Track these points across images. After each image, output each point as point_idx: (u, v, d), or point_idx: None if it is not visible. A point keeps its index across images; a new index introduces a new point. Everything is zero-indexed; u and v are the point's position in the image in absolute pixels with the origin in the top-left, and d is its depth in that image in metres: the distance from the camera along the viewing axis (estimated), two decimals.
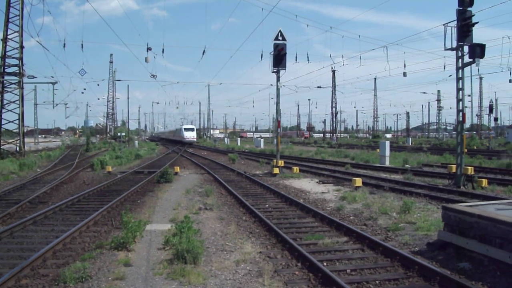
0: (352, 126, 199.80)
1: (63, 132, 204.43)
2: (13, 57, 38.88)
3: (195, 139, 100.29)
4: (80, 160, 43.46)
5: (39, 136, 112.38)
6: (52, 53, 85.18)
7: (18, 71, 39.15)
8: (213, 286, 8.37)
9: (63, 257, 10.28)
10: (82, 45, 33.67)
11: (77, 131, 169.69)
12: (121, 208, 16.39)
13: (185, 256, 9.51)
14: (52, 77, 70.57)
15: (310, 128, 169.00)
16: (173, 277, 8.71)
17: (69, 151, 61.79)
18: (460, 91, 21.85)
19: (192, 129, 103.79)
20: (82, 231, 12.72)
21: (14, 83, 39.17)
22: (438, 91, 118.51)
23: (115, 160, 39.66)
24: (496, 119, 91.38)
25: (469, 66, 22.64)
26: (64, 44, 33.29)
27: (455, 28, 21.01)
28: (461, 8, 20.64)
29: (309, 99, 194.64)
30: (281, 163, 30.55)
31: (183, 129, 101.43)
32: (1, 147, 39.91)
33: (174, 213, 15.60)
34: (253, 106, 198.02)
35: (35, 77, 50.36)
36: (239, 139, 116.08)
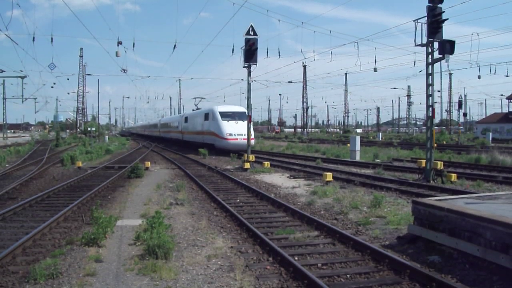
0: (323, 121, 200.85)
1: (32, 127, 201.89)
2: None
3: (252, 141, 43.05)
4: (50, 155, 42.94)
5: (8, 131, 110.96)
6: (21, 47, 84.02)
7: None
8: (184, 281, 8.36)
9: (33, 254, 10.17)
10: (52, 39, 33.05)
11: (47, 126, 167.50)
12: (91, 203, 16.26)
13: (156, 251, 9.48)
14: (21, 71, 69.77)
15: (281, 123, 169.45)
16: (144, 272, 8.67)
17: (38, 146, 61.00)
18: (430, 87, 22.08)
19: (240, 115, 44.62)
20: (52, 227, 12.59)
21: None
22: (408, 86, 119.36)
23: (85, 155, 39.27)
24: (465, 115, 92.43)
25: (439, 62, 22.91)
26: (34, 38, 32.71)
27: (425, 25, 21.21)
28: (431, 4, 20.83)
29: (280, 94, 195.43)
30: (252, 158, 30.54)
31: (217, 115, 44.58)
32: None
33: (145, 209, 15.52)
34: (224, 101, 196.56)
35: (4, 71, 49.79)
36: None
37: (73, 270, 8.89)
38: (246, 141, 36.73)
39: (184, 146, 59.22)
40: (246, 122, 38.76)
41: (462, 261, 9.01)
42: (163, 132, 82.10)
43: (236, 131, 42.14)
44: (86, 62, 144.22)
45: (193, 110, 62.41)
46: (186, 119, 60.29)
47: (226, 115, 44.32)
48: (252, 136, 41.49)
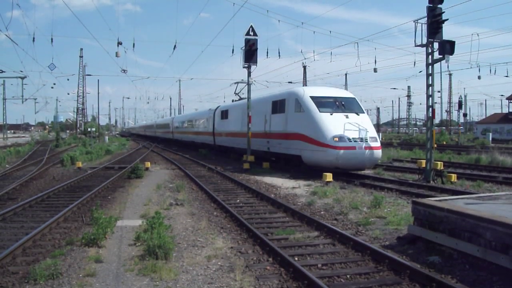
0: None
1: (32, 128, 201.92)
2: None
3: (379, 151, 24.49)
4: (50, 155, 42.93)
5: (8, 132, 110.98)
6: (21, 47, 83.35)
7: None
8: (184, 282, 8.36)
9: (33, 254, 10.18)
10: (52, 39, 33.03)
11: (47, 127, 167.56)
12: (91, 204, 16.24)
13: (156, 252, 9.48)
14: (21, 71, 69.73)
15: None
16: (144, 273, 8.67)
17: (38, 146, 60.99)
18: (430, 87, 22.10)
19: (349, 103, 26.46)
20: (52, 228, 12.59)
21: None
22: (408, 87, 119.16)
23: (85, 155, 39.19)
24: (465, 115, 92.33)
25: (439, 63, 22.94)
26: (34, 38, 32.71)
27: (425, 25, 21.24)
28: (431, 5, 20.85)
29: None
30: (252, 158, 30.50)
31: (307, 103, 25.53)
32: None
33: (145, 209, 15.52)
34: (224, 101, 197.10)
35: (4, 71, 49.69)
36: None
37: (73, 270, 8.90)
38: (371, 151, 23.62)
39: (219, 153, 44.01)
40: (363, 116, 25.87)
41: (462, 262, 9.02)
42: (178, 133, 66.16)
43: (351, 134, 23.75)
44: (86, 62, 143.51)
45: (233, 100, 44.35)
46: (224, 114, 41.87)
47: (324, 103, 25.68)
48: (378, 144, 24.56)
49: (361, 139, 23.56)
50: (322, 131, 23.80)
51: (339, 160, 23.10)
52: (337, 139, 23.12)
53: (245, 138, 32.32)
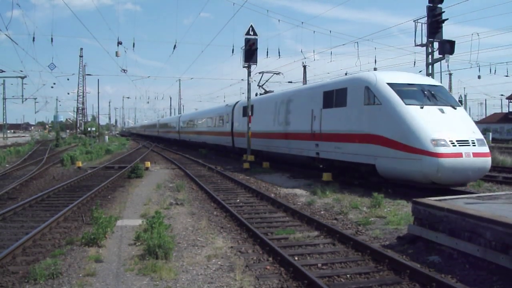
0: None
1: (32, 127, 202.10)
2: None
3: (488, 159, 17.17)
4: (50, 155, 42.94)
5: (8, 131, 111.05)
6: (21, 47, 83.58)
7: None
8: (184, 281, 8.36)
9: (33, 254, 10.17)
10: (52, 39, 33.10)
11: (47, 126, 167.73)
12: (91, 203, 16.24)
13: (156, 251, 9.47)
14: (21, 71, 69.86)
15: None
16: (144, 272, 8.67)
17: (38, 146, 61.01)
18: None
19: (439, 92, 19.08)
20: (52, 227, 12.58)
21: None
22: None
23: (85, 155, 39.20)
24: None
25: (439, 62, 22.90)
26: (34, 38, 32.83)
27: (425, 25, 21.28)
28: (431, 4, 20.87)
29: None
30: (252, 158, 30.46)
31: (384, 92, 18.30)
32: None
33: (145, 209, 15.51)
34: (224, 101, 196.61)
35: (4, 71, 49.74)
36: None
37: (73, 270, 8.89)
38: (480, 159, 16.77)
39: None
40: (461, 111, 18.96)
41: (462, 261, 9.00)
42: (186, 133, 60.87)
43: (452, 135, 16.83)
44: (86, 62, 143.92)
45: (258, 94, 37.60)
46: (246, 110, 33.33)
47: (409, 93, 18.64)
48: (487, 149, 17.54)
49: (467, 143, 16.77)
50: (413, 131, 16.90)
51: (440, 172, 16.19)
52: (435, 142, 16.33)
53: (278, 140, 28.53)
